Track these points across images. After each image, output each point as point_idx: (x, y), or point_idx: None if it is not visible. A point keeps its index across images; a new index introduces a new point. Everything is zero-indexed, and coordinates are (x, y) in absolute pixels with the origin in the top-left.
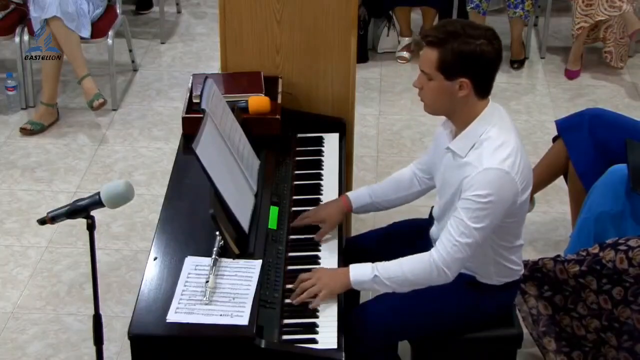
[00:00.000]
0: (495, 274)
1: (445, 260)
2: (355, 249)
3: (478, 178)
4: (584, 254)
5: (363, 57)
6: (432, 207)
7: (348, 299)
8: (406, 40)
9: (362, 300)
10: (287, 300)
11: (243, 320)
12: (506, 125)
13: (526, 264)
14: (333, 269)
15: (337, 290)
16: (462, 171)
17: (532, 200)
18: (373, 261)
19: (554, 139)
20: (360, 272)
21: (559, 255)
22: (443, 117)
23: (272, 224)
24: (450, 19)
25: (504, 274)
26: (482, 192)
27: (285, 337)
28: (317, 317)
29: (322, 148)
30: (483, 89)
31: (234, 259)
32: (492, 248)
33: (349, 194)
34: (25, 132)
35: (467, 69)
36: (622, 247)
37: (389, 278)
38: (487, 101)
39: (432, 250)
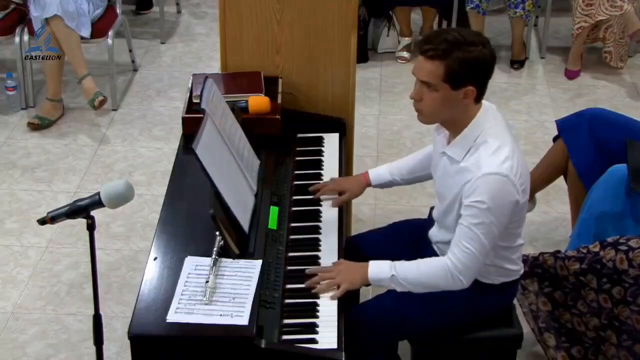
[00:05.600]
0: (495, 273)
1: (458, 268)
2: (355, 249)
3: (478, 183)
4: (585, 251)
5: (363, 57)
6: (432, 207)
7: (348, 299)
8: (406, 40)
9: (362, 299)
10: (287, 300)
11: (243, 320)
12: (500, 127)
13: (526, 259)
14: (353, 263)
15: (356, 284)
16: (461, 176)
17: (532, 200)
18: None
19: (554, 139)
20: (379, 269)
21: (558, 251)
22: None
23: (272, 224)
24: (441, 28)
25: (503, 274)
26: (482, 197)
27: (285, 337)
28: (317, 317)
29: (322, 148)
30: (482, 94)
31: (234, 259)
32: (493, 249)
33: (370, 170)
34: (34, 126)
35: (474, 76)
36: (623, 247)
37: (405, 279)
38: (481, 104)
39: (447, 255)
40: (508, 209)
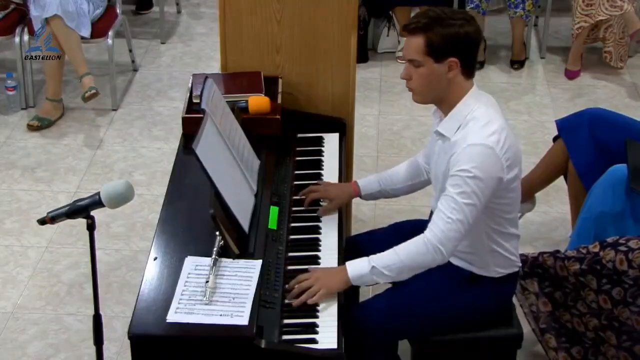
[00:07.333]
0: (492, 263)
1: (439, 238)
2: (355, 249)
3: (463, 154)
4: (584, 251)
5: (363, 57)
6: None
7: (348, 299)
8: None
9: (362, 299)
10: (287, 301)
11: (243, 320)
12: (493, 108)
13: (525, 259)
14: (330, 268)
15: (336, 288)
16: (449, 151)
17: (532, 200)
18: None
19: (554, 139)
20: (357, 266)
21: (558, 251)
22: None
23: (272, 224)
24: (428, 7)
25: (501, 263)
26: (466, 166)
27: (285, 337)
28: (317, 317)
29: (322, 148)
30: (469, 69)
31: (234, 259)
32: (486, 233)
33: (359, 181)
34: (33, 128)
35: (455, 49)
36: (622, 248)
37: (386, 267)
38: (472, 84)
39: (426, 231)
40: (491, 182)
